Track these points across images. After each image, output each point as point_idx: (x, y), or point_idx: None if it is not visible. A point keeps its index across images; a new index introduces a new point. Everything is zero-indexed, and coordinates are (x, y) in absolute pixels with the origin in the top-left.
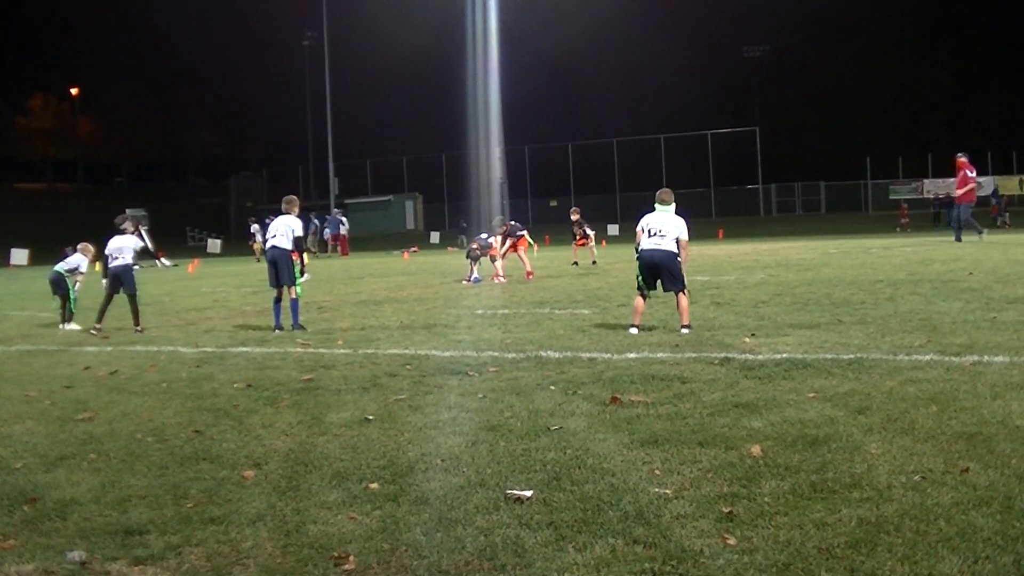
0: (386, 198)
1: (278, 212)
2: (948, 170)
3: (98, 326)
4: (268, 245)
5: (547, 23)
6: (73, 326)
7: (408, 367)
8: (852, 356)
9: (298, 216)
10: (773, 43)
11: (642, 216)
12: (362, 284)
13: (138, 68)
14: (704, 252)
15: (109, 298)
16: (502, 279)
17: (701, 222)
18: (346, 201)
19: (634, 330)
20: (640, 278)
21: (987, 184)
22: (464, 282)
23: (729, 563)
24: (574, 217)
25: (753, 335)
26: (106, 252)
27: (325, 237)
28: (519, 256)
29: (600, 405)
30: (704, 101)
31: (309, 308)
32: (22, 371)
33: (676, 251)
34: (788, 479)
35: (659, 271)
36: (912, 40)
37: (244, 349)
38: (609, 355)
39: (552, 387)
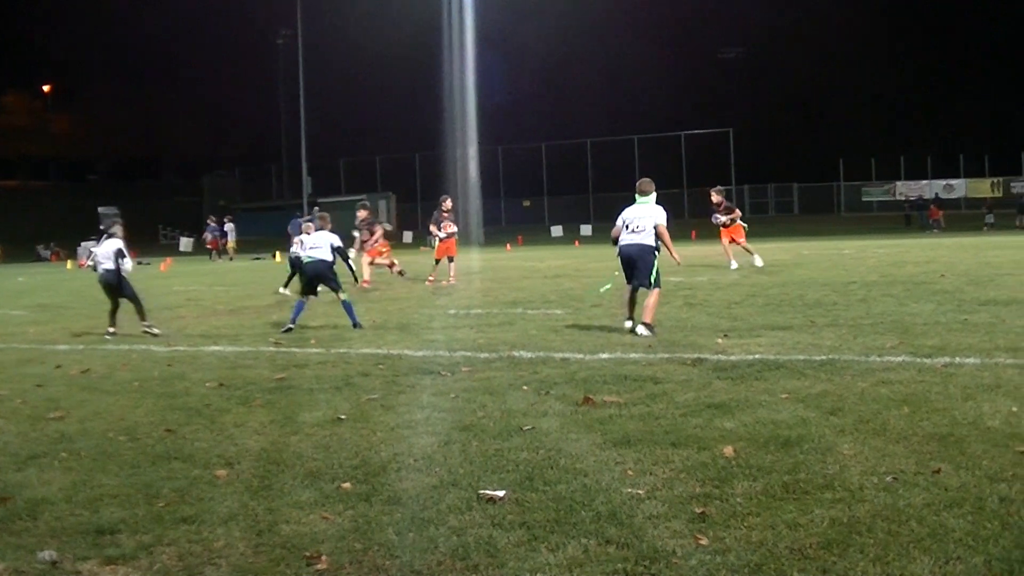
0: (359, 197)
1: (251, 211)
2: (920, 173)
3: (112, 329)
4: (308, 259)
5: (522, 23)
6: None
7: (381, 367)
8: (825, 357)
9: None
10: (748, 45)
11: (622, 210)
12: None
13: (113, 66)
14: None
15: (115, 304)
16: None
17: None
18: (319, 200)
19: (628, 323)
20: (622, 273)
21: (959, 187)
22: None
23: (702, 563)
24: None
25: (726, 336)
26: (92, 259)
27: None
28: (375, 261)
29: (573, 405)
30: (678, 102)
31: (282, 307)
32: None
33: (653, 244)
34: (761, 480)
35: (636, 265)
36: (885, 43)
37: (216, 348)
38: (582, 355)
39: (525, 387)
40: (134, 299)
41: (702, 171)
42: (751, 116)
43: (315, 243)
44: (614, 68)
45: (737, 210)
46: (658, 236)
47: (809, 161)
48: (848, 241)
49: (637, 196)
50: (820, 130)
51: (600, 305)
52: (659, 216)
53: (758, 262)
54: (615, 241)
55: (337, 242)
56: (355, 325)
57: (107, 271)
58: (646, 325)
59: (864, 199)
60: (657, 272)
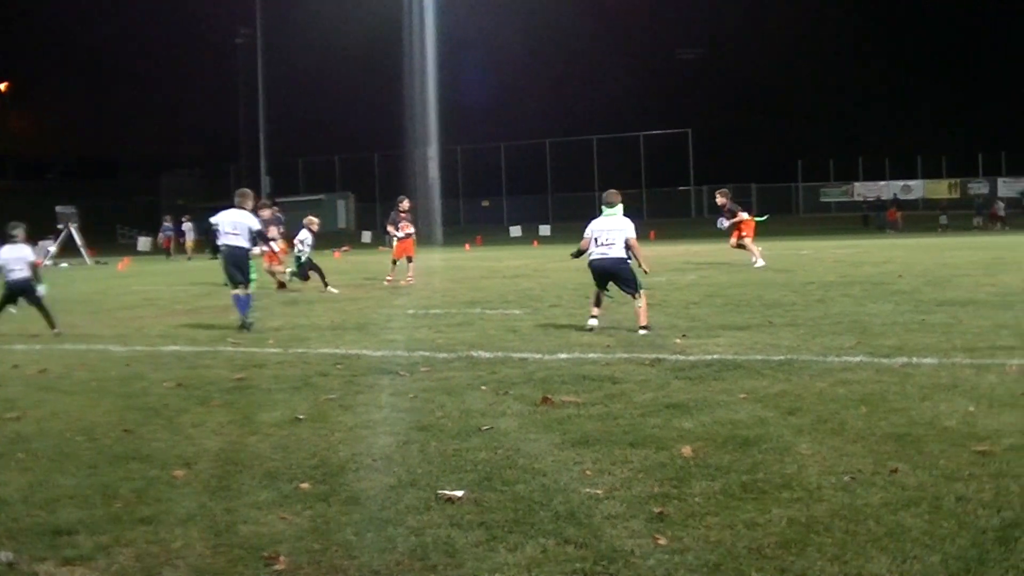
0: (318, 197)
1: (210, 210)
2: (878, 174)
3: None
4: (224, 243)
5: (482, 23)
6: (333, 290)
7: (340, 367)
8: (783, 357)
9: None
10: (707, 46)
11: (589, 221)
12: (293, 283)
13: (70, 64)
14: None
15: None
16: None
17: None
18: (278, 200)
19: (593, 320)
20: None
21: (917, 188)
22: (386, 281)
23: (660, 563)
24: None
25: (685, 336)
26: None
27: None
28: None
29: (532, 405)
30: (637, 103)
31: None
32: None
33: (625, 256)
34: (719, 479)
35: (610, 277)
36: (844, 45)
37: (175, 348)
38: (541, 355)
39: (484, 387)
40: (41, 305)
41: (661, 172)
42: (710, 117)
43: (230, 228)
44: (573, 69)
45: (742, 212)
46: (629, 248)
47: (767, 162)
48: (806, 241)
49: (604, 208)
50: (778, 131)
51: (558, 305)
52: (628, 230)
53: (758, 263)
54: (581, 252)
55: (257, 225)
56: (243, 325)
57: (18, 280)
58: (644, 327)
59: (822, 200)
60: (636, 276)
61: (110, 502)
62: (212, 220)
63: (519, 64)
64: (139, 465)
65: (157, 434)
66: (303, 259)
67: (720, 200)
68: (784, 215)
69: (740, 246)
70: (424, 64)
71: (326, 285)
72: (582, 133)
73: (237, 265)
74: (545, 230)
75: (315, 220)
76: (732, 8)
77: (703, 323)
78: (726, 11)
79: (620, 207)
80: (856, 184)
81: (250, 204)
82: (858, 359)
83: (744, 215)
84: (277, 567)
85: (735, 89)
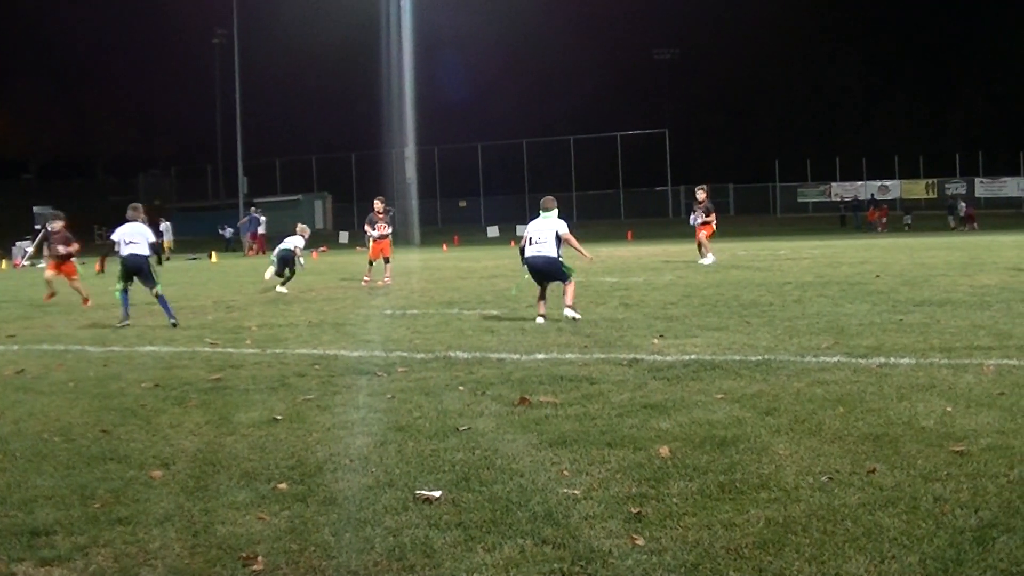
0: (295, 197)
1: (187, 210)
2: (855, 173)
3: None
4: (127, 252)
5: (458, 23)
6: (282, 289)
7: (317, 367)
8: (760, 358)
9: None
10: (683, 46)
11: (529, 222)
12: (270, 283)
13: (45, 64)
14: (613, 254)
15: None
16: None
17: (610, 223)
18: (255, 200)
19: (540, 319)
20: (528, 278)
21: (894, 188)
22: (364, 282)
23: (638, 563)
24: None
25: (662, 336)
26: None
27: (242, 237)
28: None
29: (509, 406)
30: (614, 103)
31: (218, 307)
32: None
33: (555, 254)
34: (696, 480)
35: (544, 274)
36: (820, 44)
37: (152, 348)
38: (518, 356)
39: (461, 387)
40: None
41: (638, 171)
42: (687, 117)
43: (133, 238)
44: (550, 69)
45: (714, 212)
46: (563, 243)
47: (745, 162)
48: (783, 242)
49: (541, 212)
50: (756, 131)
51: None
52: (560, 227)
53: (708, 260)
54: (522, 251)
55: (152, 237)
56: (172, 321)
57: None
58: (571, 307)
59: (800, 200)
60: (566, 267)
61: (87, 502)
62: (113, 237)
63: (496, 64)
64: (116, 466)
65: (134, 435)
66: (298, 266)
67: (701, 196)
68: (761, 215)
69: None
70: (401, 64)
71: (283, 284)
72: (559, 133)
73: (140, 270)
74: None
75: (307, 228)
76: (708, 8)
77: (680, 323)
78: (702, 11)
79: (555, 211)
80: (833, 184)
81: (142, 216)
82: (835, 359)
83: (713, 216)
84: (255, 567)
85: (712, 89)
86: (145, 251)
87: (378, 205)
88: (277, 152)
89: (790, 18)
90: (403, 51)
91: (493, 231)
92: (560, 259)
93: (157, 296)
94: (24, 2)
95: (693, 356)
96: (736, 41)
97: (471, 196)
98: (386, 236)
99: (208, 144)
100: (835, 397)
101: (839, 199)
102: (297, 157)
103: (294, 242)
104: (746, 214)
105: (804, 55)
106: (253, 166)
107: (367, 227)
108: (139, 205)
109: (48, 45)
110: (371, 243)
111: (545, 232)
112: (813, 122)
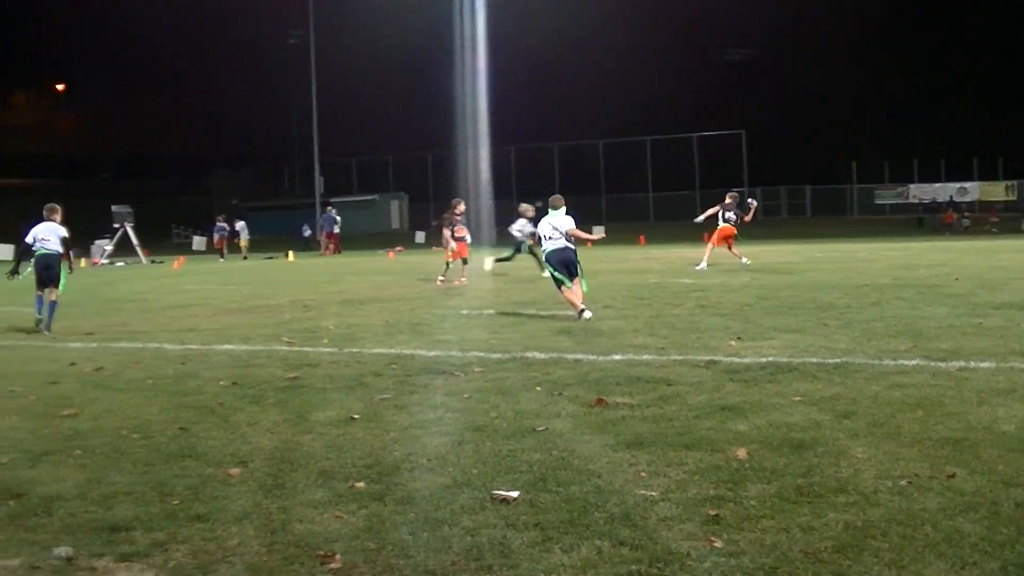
0: (371, 197)
1: (261, 209)
2: (933, 175)
3: None
4: (39, 249)
5: (534, 23)
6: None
7: (393, 366)
8: (837, 360)
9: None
10: (758, 47)
11: (541, 220)
12: (346, 283)
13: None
14: (685, 256)
15: None
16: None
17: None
18: (331, 200)
19: (587, 313)
20: (555, 274)
21: (972, 190)
22: (439, 281)
23: (715, 566)
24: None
25: (738, 338)
26: None
27: (318, 236)
28: None
29: (585, 406)
30: (691, 104)
31: (295, 306)
32: (5, 367)
33: (572, 245)
34: (774, 483)
35: (567, 264)
36: (899, 45)
37: (229, 347)
38: (594, 357)
39: (537, 388)
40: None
41: (715, 173)
42: (764, 118)
43: (45, 236)
44: (625, 69)
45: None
46: (570, 237)
47: (822, 163)
48: (860, 244)
49: (550, 210)
50: (833, 132)
51: (611, 307)
52: (568, 223)
53: (701, 266)
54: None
55: (65, 233)
56: (43, 325)
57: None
58: (582, 311)
59: (877, 202)
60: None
61: (165, 499)
62: (27, 240)
63: (572, 65)
64: (194, 463)
65: (211, 432)
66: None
67: (728, 201)
68: (838, 216)
69: (728, 246)
70: (475, 63)
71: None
72: (635, 134)
73: (49, 267)
74: (599, 231)
75: (529, 208)
76: (782, 10)
77: (756, 325)
78: (776, 13)
79: (563, 208)
80: (911, 186)
81: (58, 217)
82: (913, 362)
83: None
84: (332, 566)
85: (789, 90)
86: (57, 247)
87: (460, 208)
88: (353, 152)
89: (867, 18)
90: (478, 50)
91: None
92: (575, 251)
93: (52, 301)
94: (99, 5)
95: (770, 358)
96: (813, 42)
97: (547, 197)
98: (463, 239)
99: (282, 144)
100: (913, 401)
101: (917, 201)
102: (373, 157)
103: (518, 226)
104: (823, 215)
105: (882, 55)
106: (329, 165)
107: (445, 230)
108: (56, 206)
109: (124, 47)
110: (454, 245)
111: (561, 227)
112: (891, 123)
